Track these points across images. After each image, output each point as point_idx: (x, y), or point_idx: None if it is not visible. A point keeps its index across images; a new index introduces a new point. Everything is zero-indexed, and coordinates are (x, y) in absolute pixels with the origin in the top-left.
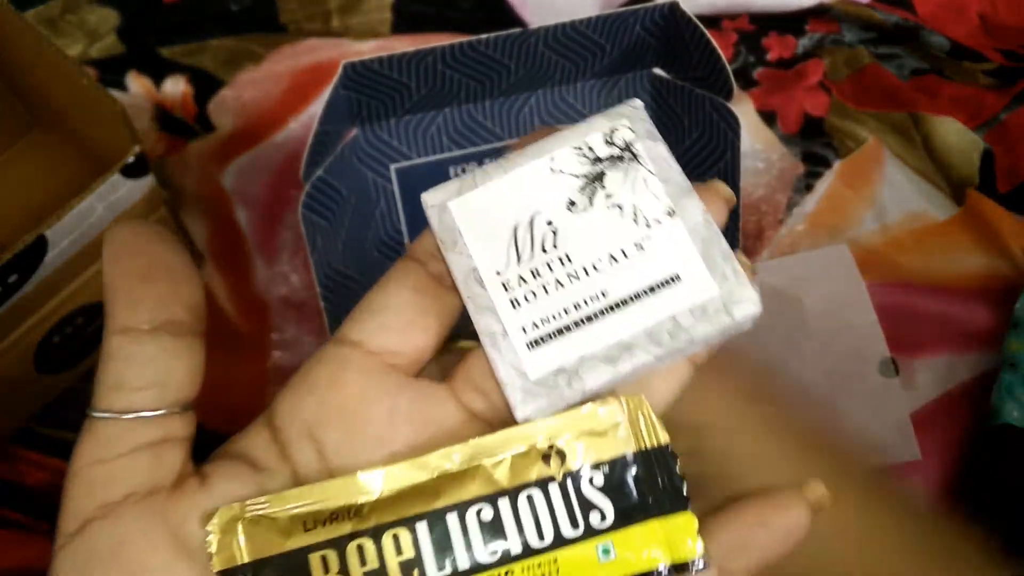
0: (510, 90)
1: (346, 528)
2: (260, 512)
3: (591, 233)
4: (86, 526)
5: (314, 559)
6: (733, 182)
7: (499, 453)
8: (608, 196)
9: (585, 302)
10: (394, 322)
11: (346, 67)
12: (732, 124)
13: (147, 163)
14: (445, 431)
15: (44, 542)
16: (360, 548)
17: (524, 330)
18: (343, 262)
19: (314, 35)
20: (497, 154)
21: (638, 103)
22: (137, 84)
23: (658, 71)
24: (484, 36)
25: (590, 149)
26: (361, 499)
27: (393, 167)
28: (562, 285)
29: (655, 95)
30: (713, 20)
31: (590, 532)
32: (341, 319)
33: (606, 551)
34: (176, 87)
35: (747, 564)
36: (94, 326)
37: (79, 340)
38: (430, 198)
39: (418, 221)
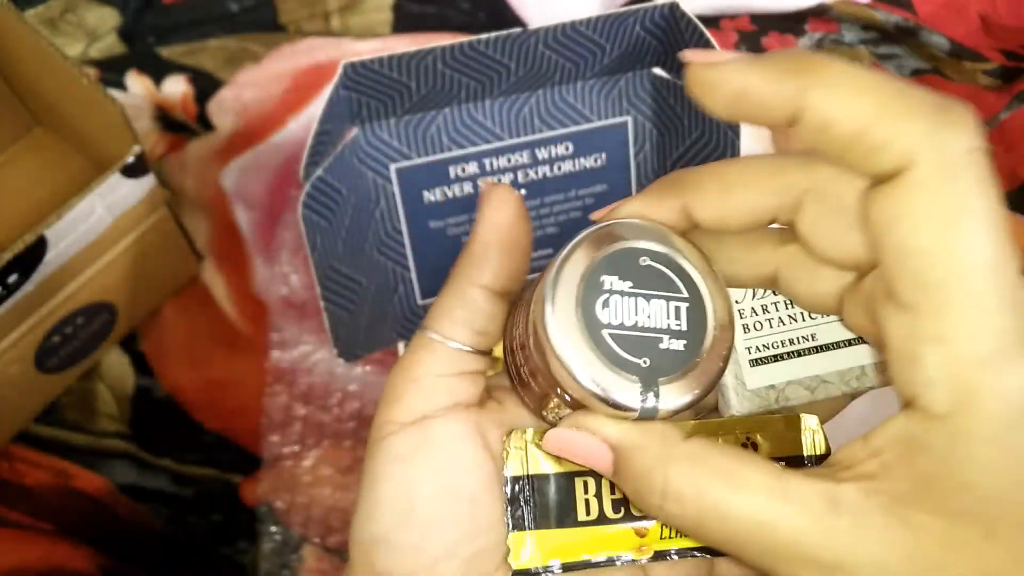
0: (510, 90)
1: None
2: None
3: None
4: (423, 420)
5: (579, 481)
6: None
7: (714, 435)
8: None
9: (798, 340)
10: None
11: (346, 67)
12: (732, 124)
13: (147, 163)
14: None
15: (44, 542)
16: (612, 481)
17: (749, 351)
18: (343, 262)
19: (314, 35)
20: (497, 154)
21: None
22: (137, 84)
23: (658, 71)
24: (484, 36)
25: None
26: None
27: (393, 167)
28: (783, 323)
29: (655, 95)
30: (713, 20)
31: None
32: (341, 319)
33: None
34: (176, 87)
35: None
36: (94, 326)
37: (79, 340)
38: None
39: (417, 221)
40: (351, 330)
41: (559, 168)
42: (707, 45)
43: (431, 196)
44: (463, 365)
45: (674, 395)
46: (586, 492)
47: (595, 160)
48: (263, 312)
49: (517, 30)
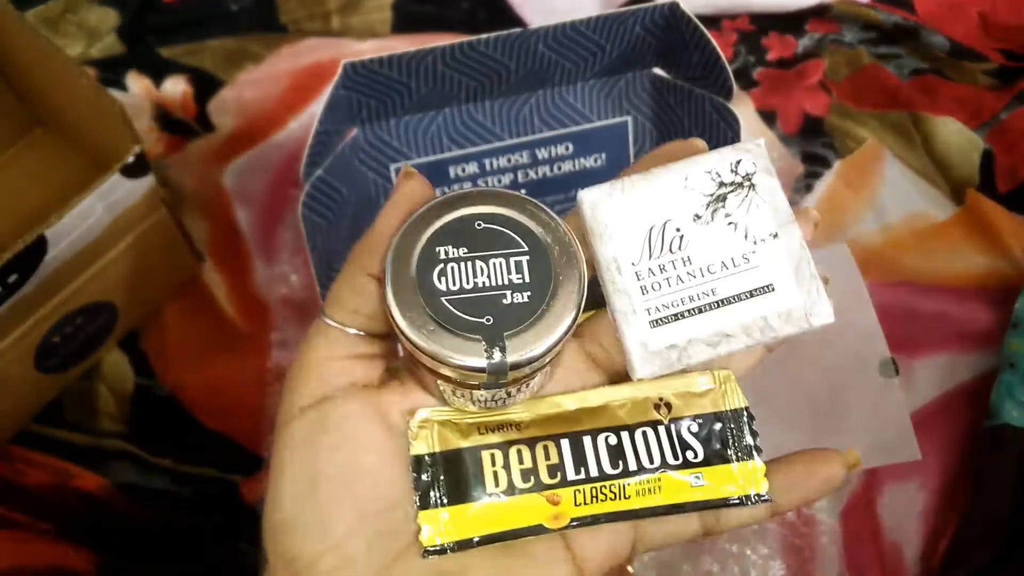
0: (510, 90)
1: (510, 436)
2: (446, 418)
3: (709, 242)
4: (319, 403)
5: (485, 454)
6: None
7: (622, 399)
8: (727, 215)
9: (698, 296)
10: None
11: (346, 67)
12: (732, 124)
13: (147, 163)
14: (572, 370)
15: (44, 542)
16: (519, 451)
17: (648, 312)
18: (343, 262)
19: (314, 35)
20: (497, 153)
21: (761, 142)
22: (137, 84)
23: (658, 71)
24: (484, 36)
25: (718, 174)
26: (520, 417)
27: (393, 167)
28: (682, 281)
29: (655, 95)
30: (713, 20)
31: (687, 464)
32: None
33: (697, 478)
34: (176, 87)
35: (792, 501)
36: (94, 326)
37: (79, 340)
38: (587, 195)
39: None
40: None
41: (559, 168)
42: (707, 45)
43: None
44: (358, 348)
45: (524, 346)
46: (494, 464)
47: (595, 160)
48: (263, 312)
49: (517, 30)
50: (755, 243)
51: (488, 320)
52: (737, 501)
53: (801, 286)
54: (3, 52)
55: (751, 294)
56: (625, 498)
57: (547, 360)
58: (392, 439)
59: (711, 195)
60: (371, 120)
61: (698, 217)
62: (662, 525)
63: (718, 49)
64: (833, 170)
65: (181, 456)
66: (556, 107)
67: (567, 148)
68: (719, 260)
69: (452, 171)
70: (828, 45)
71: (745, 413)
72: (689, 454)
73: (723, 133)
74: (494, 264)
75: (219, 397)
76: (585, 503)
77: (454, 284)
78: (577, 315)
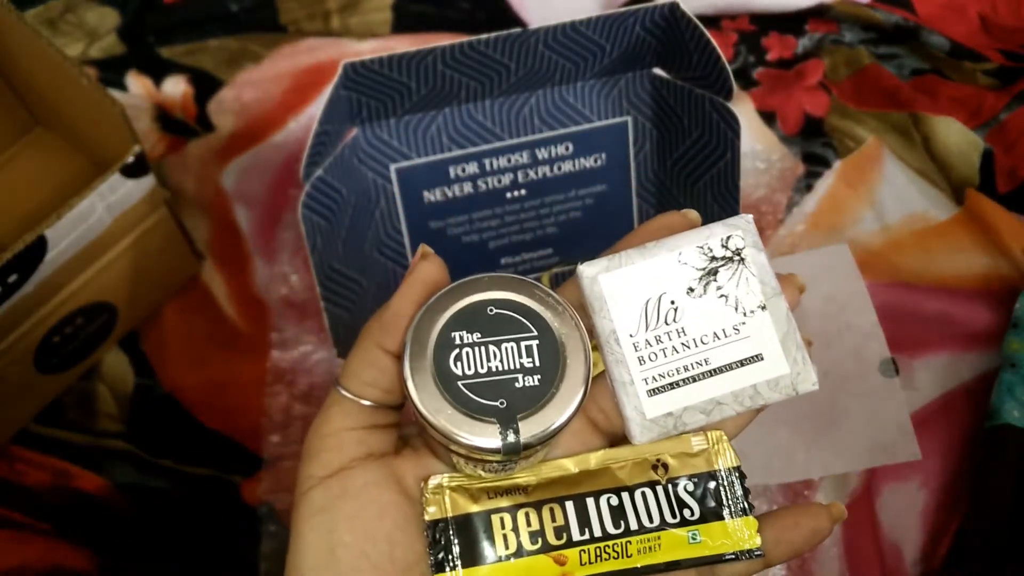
0: (510, 90)
1: (518, 500)
2: (458, 484)
3: (702, 314)
4: (339, 472)
5: (495, 518)
6: (733, 182)
7: (622, 461)
8: (719, 288)
9: (692, 366)
10: None
11: (346, 67)
12: (732, 124)
13: (147, 163)
14: (574, 434)
15: (44, 542)
16: (527, 514)
17: (646, 381)
18: (343, 262)
19: (314, 35)
20: (497, 153)
21: (750, 217)
22: (137, 84)
23: (658, 71)
24: (484, 36)
25: (710, 249)
26: (527, 481)
27: (393, 167)
28: (676, 351)
29: (655, 95)
30: (713, 20)
31: (684, 522)
32: (341, 319)
33: (694, 536)
34: (176, 87)
35: (783, 553)
36: (94, 326)
37: (79, 340)
38: (587, 270)
39: (417, 221)
40: (351, 330)
41: (559, 168)
42: (707, 45)
43: (431, 196)
44: (374, 419)
45: (535, 427)
46: (503, 527)
47: (595, 160)
48: (263, 312)
49: (517, 30)
50: (745, 315)
51: (502, 403)
52: (732, 556)
53: (788, 355)
54: (3, 52)
55: (741, 363)
56: (627, 556)
57: (558, 436)
58: (407, 505)
59: (703, 269)
60: (371, 120)
61: (691, 290)
62: None
63: (718, 49)
64: (833, 170)
65: (181, 456)
66: (556, 107)
67: (567, 148)
68: (711, 331)
69: (452, 171)
70: (828, 45)
71: (737, 472)
72: (686, 512)
73: (723, 133)
74: (506, 348)
75: (219, 397)
76: (591, 562)
77: (469, 368)
78: (585, 394)
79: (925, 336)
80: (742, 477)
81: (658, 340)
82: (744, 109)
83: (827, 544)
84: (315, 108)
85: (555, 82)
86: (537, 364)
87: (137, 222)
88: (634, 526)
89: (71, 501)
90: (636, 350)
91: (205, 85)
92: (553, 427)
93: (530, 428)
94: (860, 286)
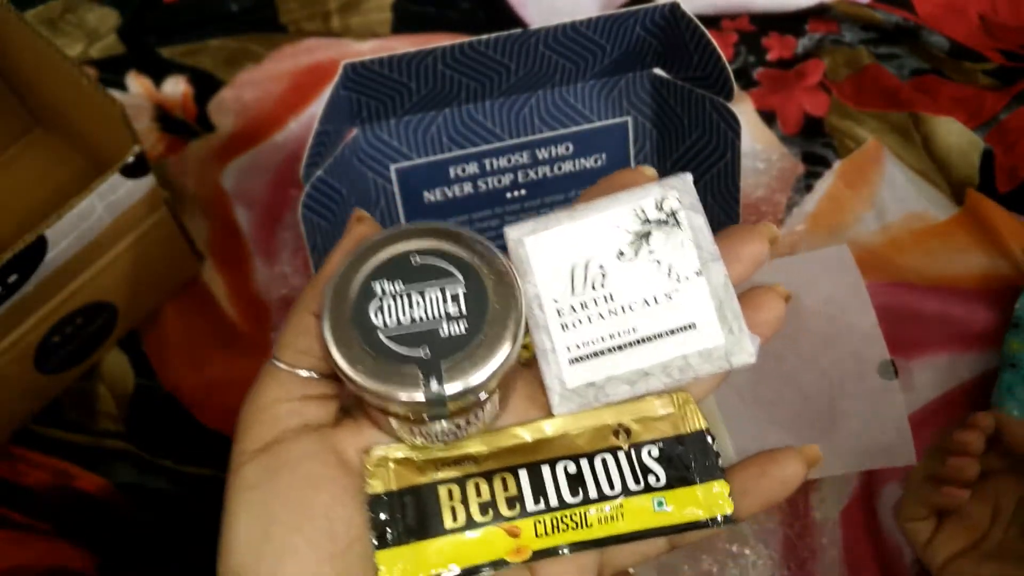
0: (510, 90)
1: (468, 470)
2: (403, 455)
3: (632, 280)
4: (272, 445)
5: (442, 489)
6: (733, 182)
7: (580, 427)
8: (651, 252)
9: (619, 334)
10: None
11: (346, 67)
12: (732, 124)
13: (147, 163)
14: (530, 402)
15: (44, 542)
16: (476, 485)
17: (568, 349)
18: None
19: (314, 35)
20: (497, 154)
21: (688, 177)
22: (137, 84)
23: (658, 71)
24: (484, 36)
25: (643, 211)
26: (478, 450)
27: (393, 167)
28: (603, 318)
29: (655, 95)
30: (713, 20)
31: (648, 488)
32: None
33: (660, 503)
34: (176, 87)
35: (750, 506)
36: (94, 326)
37: (79, 340)
38: (512, 233)
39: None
40: None
41: (559, 168)
42: (707, 45)
43: (431, 196)
44: (309, 389)
45: (462, 375)
46: (451, 499)
47: (595, 160)
48: (263, 312)
49: (517, 31)
50: (678, 280)
51: (425, 352)
52: (703, 524)
53: (723, 325)
54: (3, 52)
55: (672, 332)
56: (587, 526)
57: (490, 388)
58: (347, 477)
59: (635, 232)
60: (371, 120)
61: (622, 254)
62: (627, 546)
63: (718, 49)
64: (833, 170)
65: (181, 456)
66: (556, 107)
67: (567, 148)
68: (641, 297)
69: (452, 171)
70: (828, 45)
71: (707, 435)
72: (651, 478)
73: (723, 133)
74: (430, 297)
75: (219, 397)
76: (547, 534)
77: (390, 319)
78: (516, 344)
79: (925, 336)
80: (712, 439)
81: (583, 306)
82: (744, 109)
83: (827, 544)
84: (315, 108)
85: (555, 82)
86: (463, 312)
87: (137, 222)
88: (593, 494)
89: (71, 501)
90: (559, 316)
91: (205, 85)
92: (482, 376)
93: (455, 376)
94: (860, 287)
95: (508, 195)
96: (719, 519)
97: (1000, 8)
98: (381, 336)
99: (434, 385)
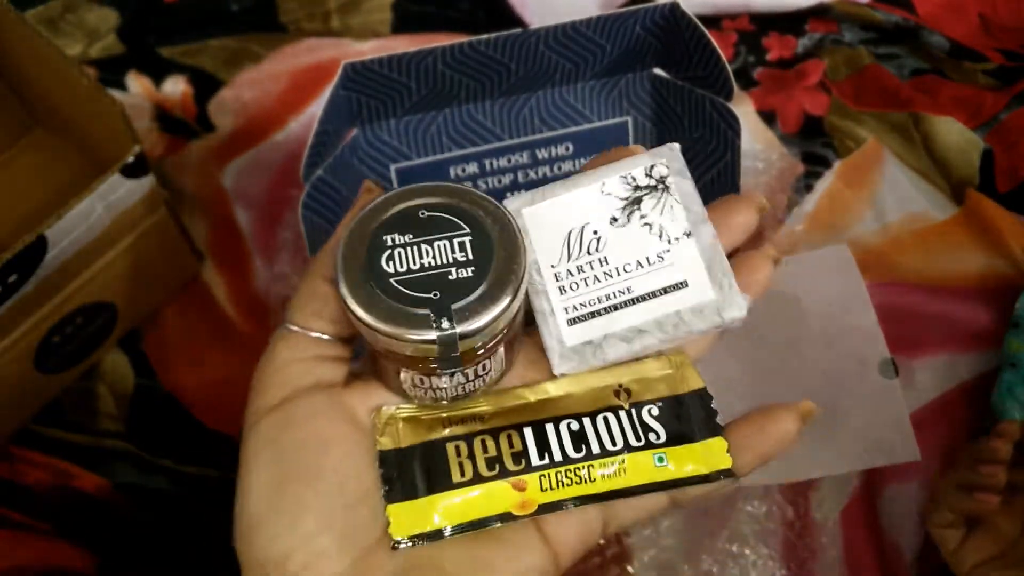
0: (510, 90)
1: (474, 428)
2: (412, 414)
3: (626, 243)
4: (284, 403)
5: (450, 446)
6: (733, 182)
7: (583, 388)
8: (642, 216)
9: (614, 295)
10: None
11: (346, 67)
12: (732, 124)
13: (147, 163)
14: (534, 365)
15: (44, 542)
16: (483, 441)
17: (566, 311)
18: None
19: (314, 35)
20: (497, 154)
21: (676, 146)
22: (137, 84)
23: (658, 71)
24: (484, 36)
25: (633, 179)
26: (484, 410)
27: (393, 167)
28: (598, 280)
29: (655, 95)
30: (713, 20)
31: (649, 445)
32: None
33: (660, 459)
34: (176, 87)
35: (748, 462)
36: (94, 326)
37: (79, 340)
38: (510, 204)
39: None
40: None
41: (559, 168)
42: (707, 45)
43: None
44: (321, 350)
45: (472, 315)
46: (459, 455)
47: None
48: (263, 312)
49: (517, 30)
50: (669, 242)
51: (435, 295)
52: (703, 479)
53: (714, 281)
54: (3, 52)
55: (665, 291)
56: (591, 481)
57: (498, 330)
58: (358, 435)
59: (627, 199)
60: (371, 120)
61: (615, 220)
62: (630, 502)
63: (718, 49)
64: (833, 170)
65: (181, 456)
66: (556, 107)
67: (567, 148)
68: (635, 259)
69: (452, 171)
70: (828, 45)
71: (704, 393)
72: (652, 436)
73: (723, 133)
74: (438, 246)
75: (219, 397)
76: (551, 488)
77: (401, 266)
78: (521, 286)
79: (925, 336)
80: (709, 398)
81: (580, 270)
82: (744, 109)
83: (827, 544)
84: (315, 108)
85: (555, 82)
86: (470, 257)
87: (137, 222)
88: (596, 450)
89: (71, 501)
90: (557, 280)
91: (205, 85)
92: (490, 315)
93: (465, 316)
94: (860, 286)
95: (508, 195)
96: (719, 474)
97: (1000, 8)
98: (393, 282)
99: (445, 324)
